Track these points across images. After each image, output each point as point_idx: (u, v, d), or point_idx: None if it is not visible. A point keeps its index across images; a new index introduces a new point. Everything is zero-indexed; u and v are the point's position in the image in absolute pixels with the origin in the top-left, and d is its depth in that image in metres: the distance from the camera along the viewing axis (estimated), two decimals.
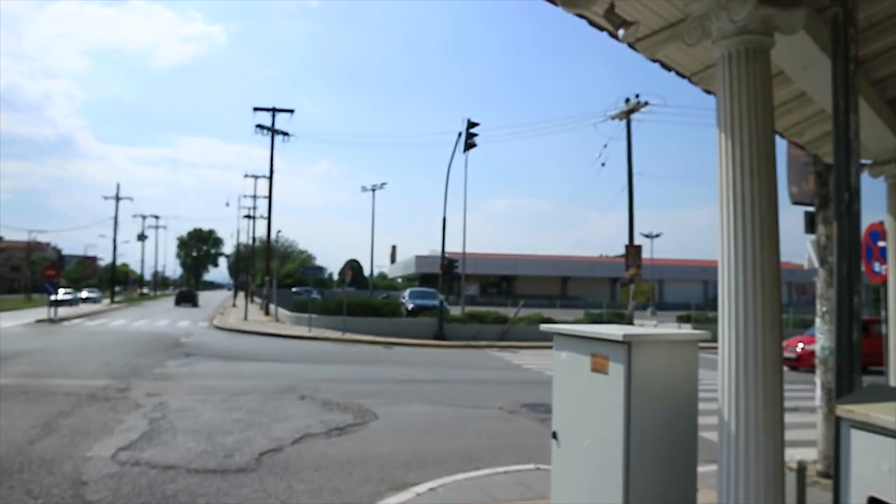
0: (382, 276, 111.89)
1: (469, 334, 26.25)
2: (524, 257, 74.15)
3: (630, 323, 28.24)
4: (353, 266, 65.01)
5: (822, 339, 6.95)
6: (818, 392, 7.04)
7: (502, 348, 24.00)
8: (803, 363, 18.08)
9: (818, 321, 7.06)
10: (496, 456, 7.43)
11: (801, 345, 18.54)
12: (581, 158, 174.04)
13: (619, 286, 76.50)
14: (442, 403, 11.00)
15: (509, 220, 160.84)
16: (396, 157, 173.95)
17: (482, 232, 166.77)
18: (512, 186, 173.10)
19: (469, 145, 23.21)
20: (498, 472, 6.43)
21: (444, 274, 25.80)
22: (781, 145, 7.14)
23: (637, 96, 27.46)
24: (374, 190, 52.48)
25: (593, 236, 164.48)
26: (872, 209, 7.12)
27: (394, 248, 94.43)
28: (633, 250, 28.81)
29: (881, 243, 7.34)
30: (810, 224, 7.25)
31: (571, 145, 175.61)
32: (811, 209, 7.29)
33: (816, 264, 7.07)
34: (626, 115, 28.06)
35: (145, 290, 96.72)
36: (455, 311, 30.77)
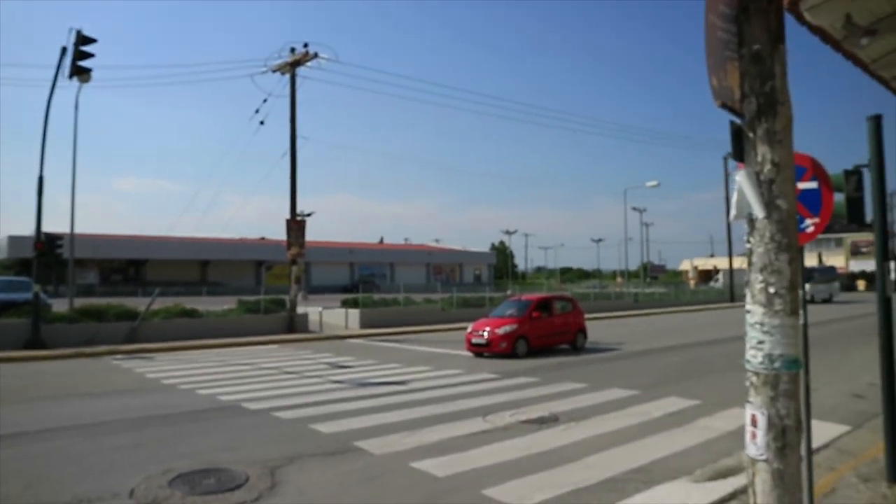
0: None
1: (82, 338, 19.38)
2: (156, 238, 64.56)
3: (293, 310, 24.28)
4: None
5: (768, 340, 3.90)
6: (759, 434, 3.92)
7: (130, 353, 17.94)
8: (492, 349, 16.34)
9: (758, 311, 3.94)
10: None
11: (487, 328, 16.75)
12: (226, 131, 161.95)
13: (265, 269, 72.13)
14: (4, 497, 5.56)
15: (141, 203, 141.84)
16: None
17: (110, 216, 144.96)
18: (144, 163, 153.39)
19: (79, 70, 16.35)
20: None
21: (39, 256, 18.38)
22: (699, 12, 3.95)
23: (305, 45, 23.44)
24: None
25: (234, 221, 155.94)
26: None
27: None
28: (295, 226, 24.91)
29: (805, 184, 4.56)
30: (738, 143, 4.16)
31: (215, 113, 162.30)
32: (737, 120, 4.20)
33: (757, 212, 3.96)
34: (291, 66, 23.84)
35: None
36: (63, 305, 23.09)
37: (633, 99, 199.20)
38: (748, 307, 4.10)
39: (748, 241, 4.12)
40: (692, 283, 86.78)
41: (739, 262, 76.70)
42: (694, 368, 14.08)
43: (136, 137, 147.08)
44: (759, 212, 3.96)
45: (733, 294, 49.86)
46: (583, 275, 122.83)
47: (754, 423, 4.04)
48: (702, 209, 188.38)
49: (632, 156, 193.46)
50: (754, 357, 4.03)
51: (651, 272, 78.67)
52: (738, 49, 4.20)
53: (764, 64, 4.09)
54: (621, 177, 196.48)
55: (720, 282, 74.37)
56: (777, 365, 3.94)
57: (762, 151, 4.03)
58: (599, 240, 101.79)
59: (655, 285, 67.44)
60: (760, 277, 3.99)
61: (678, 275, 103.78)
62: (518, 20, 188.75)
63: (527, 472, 6.37)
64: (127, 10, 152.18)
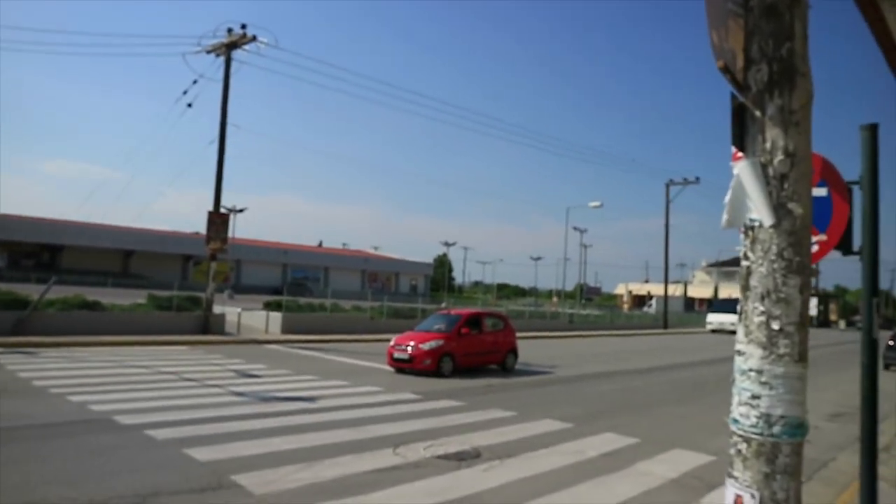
0: None
1: None
2: (75, 224, 60.77)
3: (209, 309, 22.47)
4: None
5: (766, 396, 2.76)
6: None
7: (11, 347, 15.93)
8: (415, 365, 15.10)
9: (756, 353, 2.83)
10: None
11: (412, 343, 15.51)
12: (156, 115, 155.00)
13: (193, 265, 68.87)
14: None
15: (71, 188, 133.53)
16: None
17: (32, 199, 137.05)
18: (71, 145, 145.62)
19: None
20: None
21: None
22: None
23: (243, 27, 21.85)
24: None
25: (164, 212, 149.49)
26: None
27: None
28: (218, 219, 23.19)
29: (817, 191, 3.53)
30: (739, 123, 3.08)
31: (144, 97, 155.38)
32: (738, 95, 3.10)
33: (762, 217, 2.86)
34: (227, 48, 22.22)
35: None
36: None
37: (583, 118, 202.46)
38: (740, 347, 3.01)
39: (745, 258, 3.05)
40: (626, 307, 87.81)
41: (673, 290, 77.91)
42: (631, 399, 13.19)
43: (65, 117, 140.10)
44: (765, 218, 2.90)
45: (667, 320, 50.15)
46: (520, 292, 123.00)
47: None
48: (640, 234, 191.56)
49: (576, 175, 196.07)
50: (745, 417, 2.92)
51: (586, 294, 79.09)
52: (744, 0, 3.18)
53: (780, 19, 3.03)
54: (564, 196, 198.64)
55: (653, 308, 75.31)
56: (777, 430, 2.85)
57: (772, 136, 2.96)
58: (538, 258, 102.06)
59: (590, 307, 67.64)
60: (761, 308, 2.91)
61: (613, 298, 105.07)
62: (477, 28, 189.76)
63: None
64: None
